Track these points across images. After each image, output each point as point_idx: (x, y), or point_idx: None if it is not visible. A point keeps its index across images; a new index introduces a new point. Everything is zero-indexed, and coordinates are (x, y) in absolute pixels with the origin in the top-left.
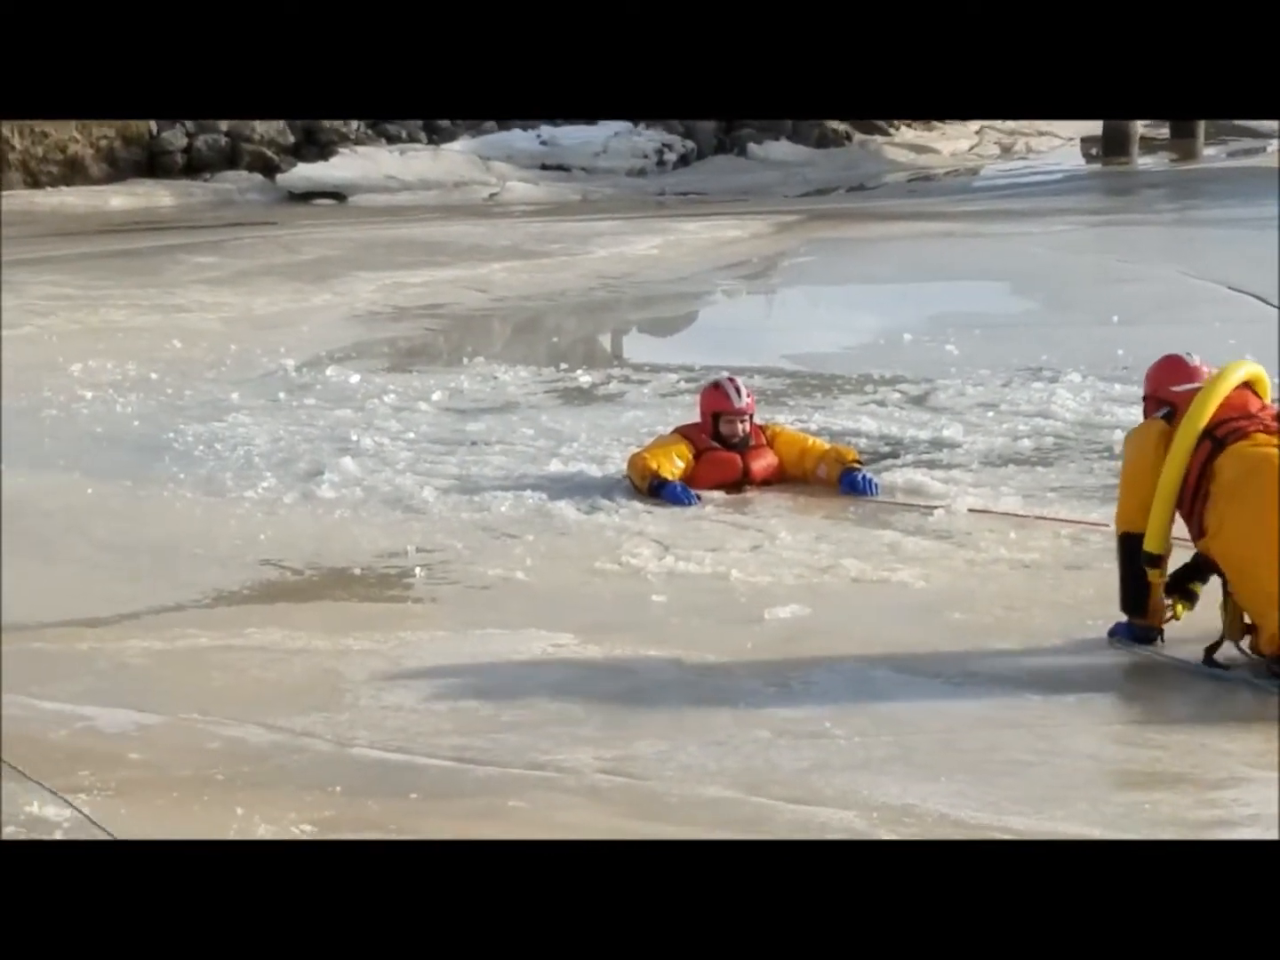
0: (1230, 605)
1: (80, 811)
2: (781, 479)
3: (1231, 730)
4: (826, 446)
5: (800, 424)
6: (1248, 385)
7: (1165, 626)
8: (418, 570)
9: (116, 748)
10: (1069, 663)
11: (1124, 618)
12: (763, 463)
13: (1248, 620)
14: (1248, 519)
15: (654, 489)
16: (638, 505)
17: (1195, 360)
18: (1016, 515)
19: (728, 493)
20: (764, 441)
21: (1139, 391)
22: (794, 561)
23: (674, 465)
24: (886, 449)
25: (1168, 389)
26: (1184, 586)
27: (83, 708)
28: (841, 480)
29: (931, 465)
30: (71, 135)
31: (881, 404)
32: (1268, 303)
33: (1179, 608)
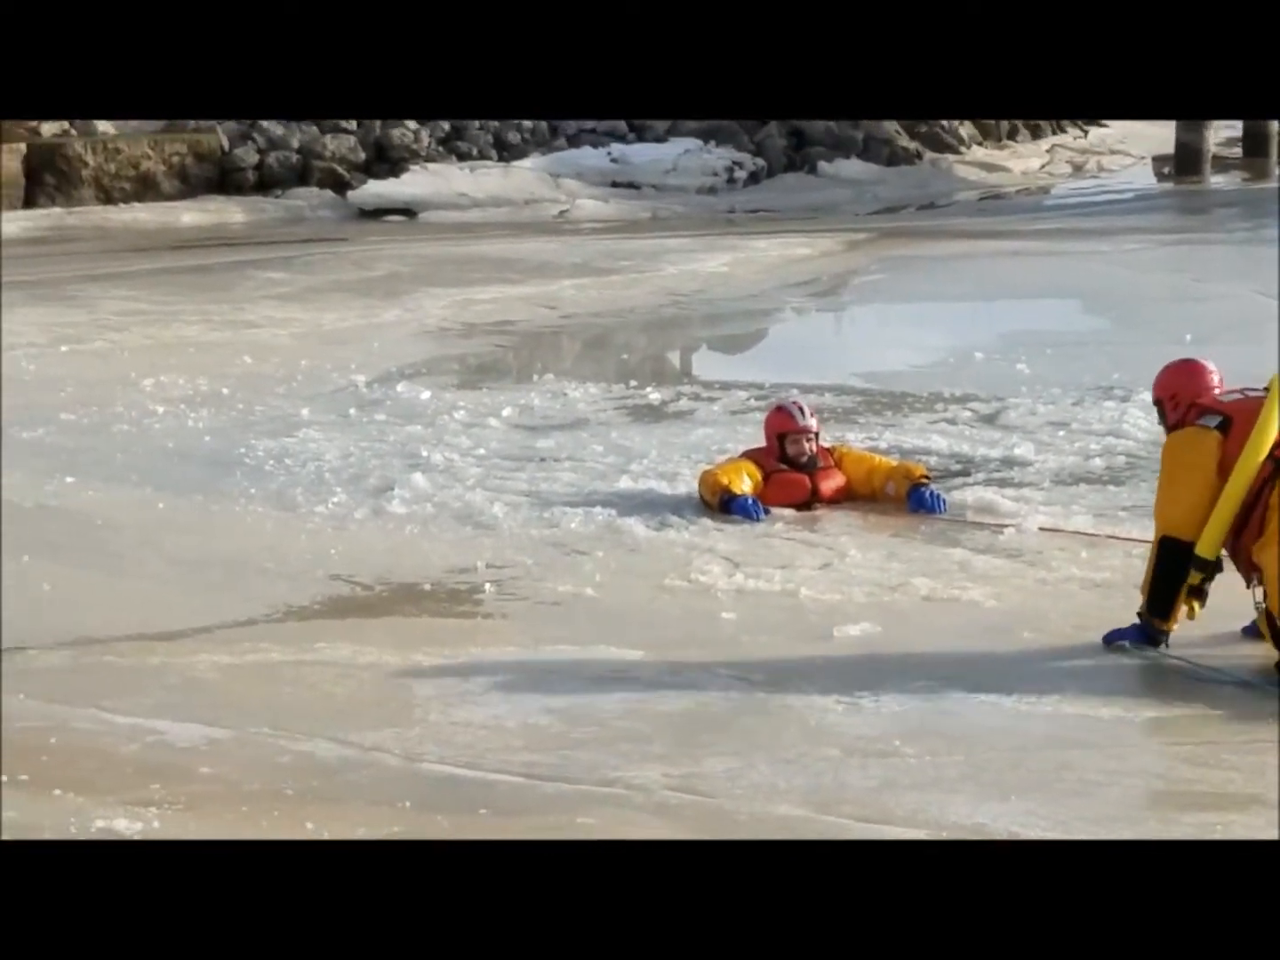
0: (1266, 619)
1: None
2: (850, 498)
3: None
4: (894, 464)
5: (870, 442)
6: None
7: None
8: (487, 586)
9: (187, 762)
10: (1141, 682)
11: (1118, 624)
12: (831, 483)
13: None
14: None
15: (724, 504)
16: (707, 522)
17: (1209, 364)
18: (1088, 534)
19: (797, 511)
20: (831, 463)
21: None
22: (864, 579)
23: (744, 482)
24: (957, 467)
25: (1209, 398)
26: (1201, 587)
27: (154, 722)
28: (910, 497)
29: (1002, 484)
30: (144, 152)
31: (952, 422)
32: None
33: (1194, 606)
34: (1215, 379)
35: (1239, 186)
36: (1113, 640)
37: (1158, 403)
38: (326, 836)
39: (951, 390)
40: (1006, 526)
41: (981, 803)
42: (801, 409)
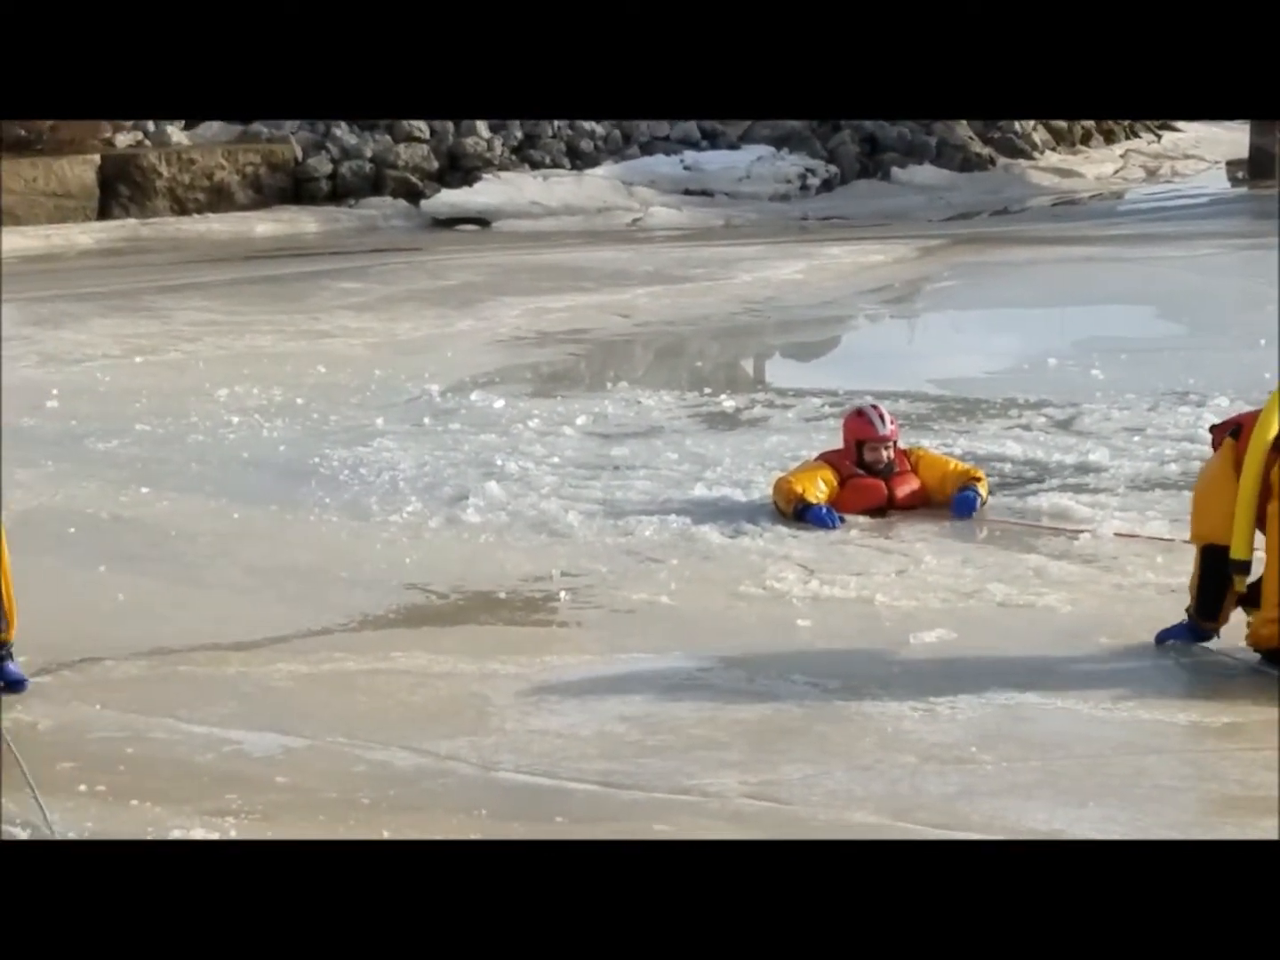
0: None
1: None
2: (925, 503)
3: None
4: (964, 468)
5: (945, 448)
6: None
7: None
8: (562, 594)
9: (263, 771)
10: (1217, 687)
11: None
12: (907, 488)
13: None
14: None
15: (799, 512)
16: (782, 529)
17: None
18: (1163, 540)
19: (872, 517)
20: (908, 467)
21: None
22: (939, 586)
23: (819, 490)
24: (1031, 473)
25: (1231, 419)
26: (1255, 595)
27: (230, 731)
28: (954, 502)
29: (1077, 489)
30: (218, 163)
31: (1026, 428)
32: None
33: (1252, 614)
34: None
35: None
36: (1164, 639)
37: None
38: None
39: (1026, 396)
40: (1082, 532)
41: (1058, 809)
42: (882, 416)
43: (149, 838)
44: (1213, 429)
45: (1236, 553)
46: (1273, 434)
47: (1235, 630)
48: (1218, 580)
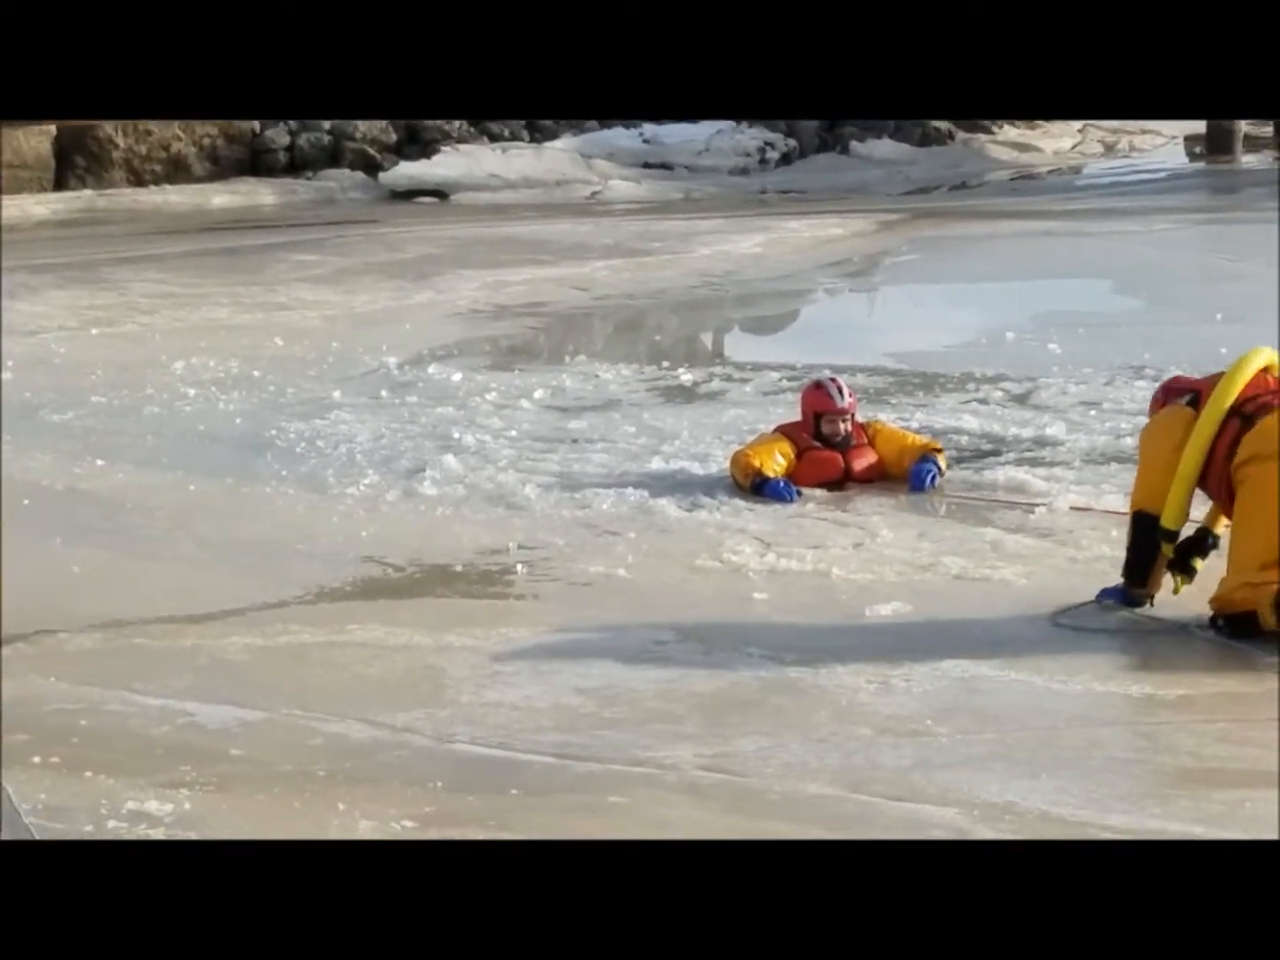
0: None
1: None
2: (882, 477)
3: None
4: (922, 442)
5: (902, 422)
6: (1265, 369)
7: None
8: (519, 567)
9: (218, 744)
10: (1171, 660)
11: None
12: (864, 461)
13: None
14: (1257, 486)
15: (756, 486)
16: (739, 503)
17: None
18: (1119, 513)
19: (829, 490)
20: (866, 440)
21: None
22: (895, 559)
23: (776, 463)
24: (988, 447)
25: (1186, 383)
26: (1185, 561)
27: (185, 703)
28: (911, 475)
29: (1034, 463)
30: (175, 134)
31: (984, 402)
32: None
33: (1179, 581)
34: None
35: (1271, 165)
36: (1102, 598)
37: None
38: (358, 816)
39: (983, 370)
40: (1038, 506)
41: (1012, 780)
42: (840, 389)
43: (102, 814)
44: (1165, 389)
45: (1167, 522)
46: (1227, 406)
47: (1189, 601)
48: (1147, 547)
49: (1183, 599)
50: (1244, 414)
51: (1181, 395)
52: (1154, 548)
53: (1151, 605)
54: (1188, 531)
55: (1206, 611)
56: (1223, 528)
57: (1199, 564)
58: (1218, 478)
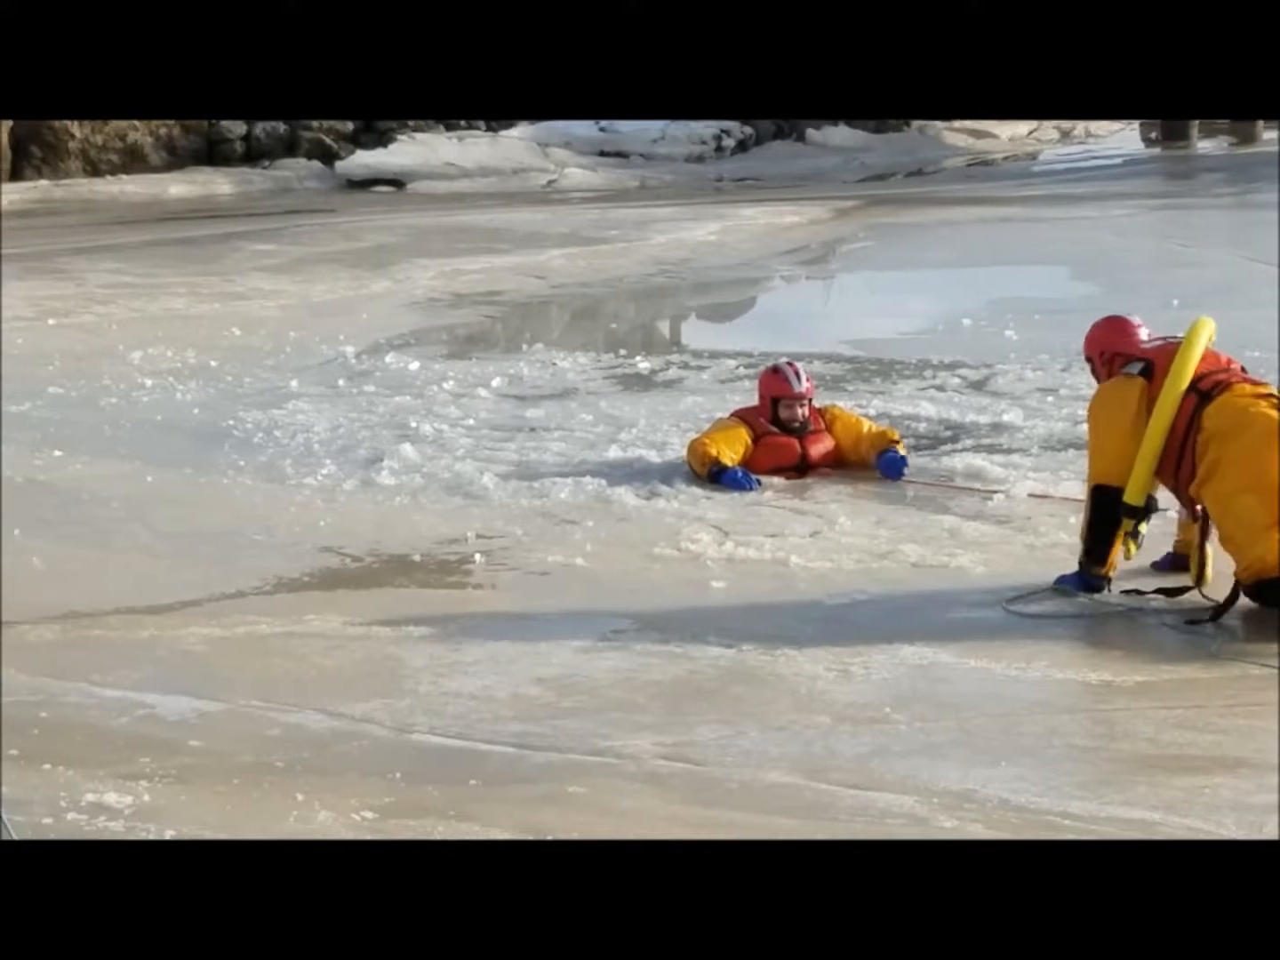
0: (1200, 556)
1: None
2: (839, 463)
3: None
4: (878, 430)
5: (859, 409)
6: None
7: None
8: (477, 556)
9: (177, 735)
10: (1129, 647)
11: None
12: (820, 447)
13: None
14: (1243, 459)
15: (714, 475)
16: (697, 491)
17: (1135, 318)
18: (1076, 500)
19: (787, 478)
20: (823, 426)
21: None
22: (853, 547)
23: (734, 451)
24: (946, 434)
25: (1131, 345)
26: (1135, 529)
27: (143, 695)
28: (877, 462)
29: (991, 450)
30: (131, 124)
31: (941, 389)
32: None
33: (1130, 546)
34: (1142, 331)
35: (1226, 151)
36: (1058, 584)
37: (1089, 360)
38: (317, 807)
39: (940, 357)
40: (995, 492)
41: (971, 768)
42: (798, 373)
43: (61, 807)
44: (1105, 353)
45: (1131, 497)
46: (1187, 381)
47: (1141, 584)
48: (1108, 523)
49: (1136, 582)
50: (1201, 390)
51: (1131, 363)
52: (1115, 523)
53: (1110, 589)
54: None
55: (1157, 597)
56: (1160, 490)
57: (1144, 528)
58: (1174, 454)
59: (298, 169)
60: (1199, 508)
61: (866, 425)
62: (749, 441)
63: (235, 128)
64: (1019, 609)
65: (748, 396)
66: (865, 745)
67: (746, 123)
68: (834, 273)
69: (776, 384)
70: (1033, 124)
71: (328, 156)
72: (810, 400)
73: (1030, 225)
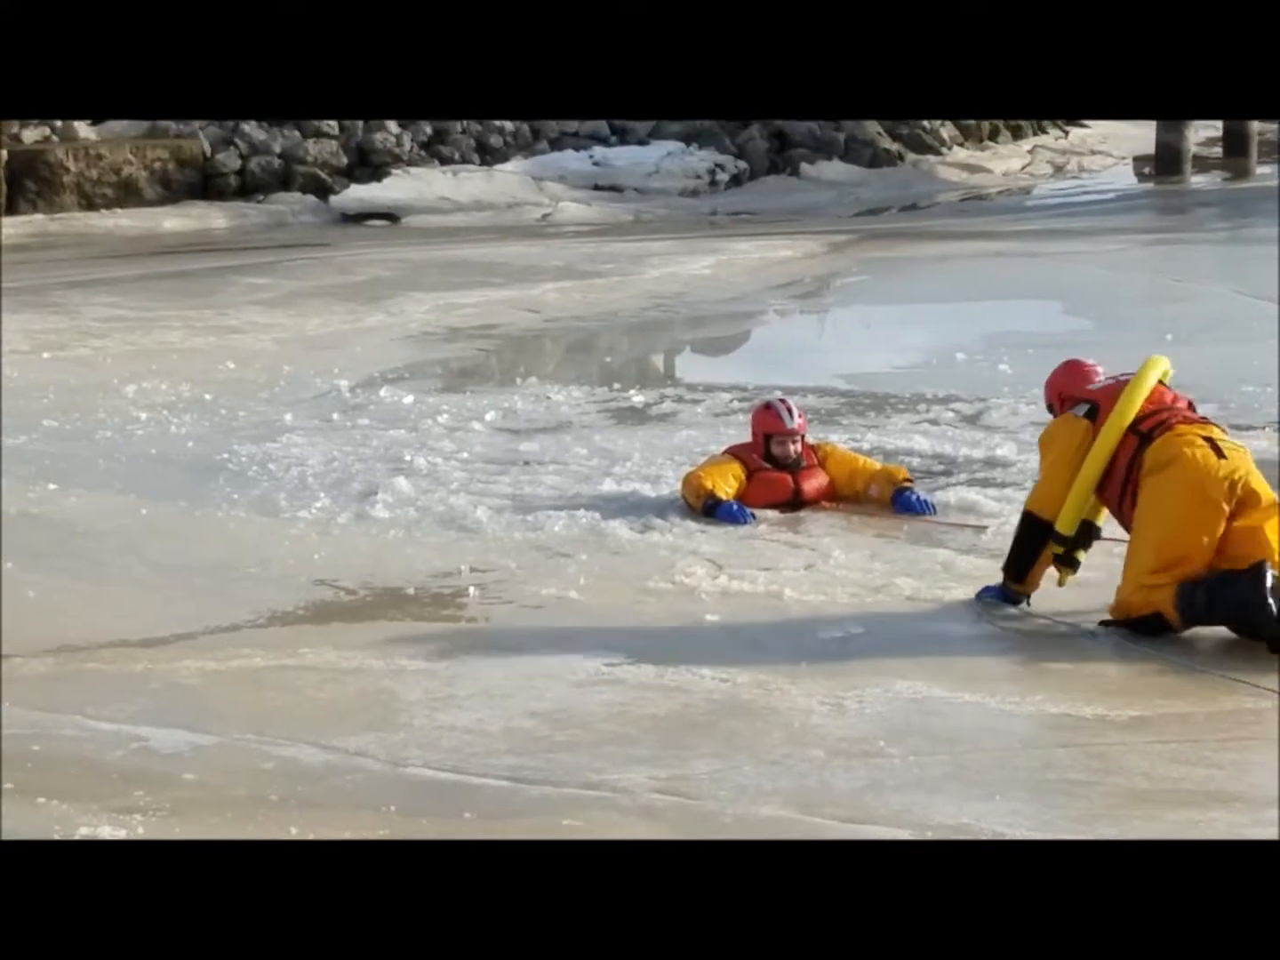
0: None
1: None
2: (833, 499)
3: None
4: (878, 467)
5: (853, 443)
6: (1160, 380)
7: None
8: (471, 590)
9: (171, 768)
10: (1123, 681)
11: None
12: (814, 483)
13: None
14: (1152, 498)
15: (709, 508)
16: (691, 524)
17: (1091, 362)
18: None
19: (780, 512)
20: (816, 461)
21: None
22: (847, 580)
23: (728, 485)
24: (939, 468)
25: (1081, 389)
26: (1070, 555)
27: (138, 728)
28: (895, 500)
29: (985, 484)
30: (126, 158)
31: (934, 423)
32: None
33: (1064, 573)
34: (1096, 373)
35: (1219, 186)
36: (980, 596)
37: (1049, 406)
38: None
39: (934, 391)
40: (989, 526)
41: (966, 803)
42: (790, 410)
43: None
44: (1062, 395)
45: (1061, 527)
46: (1128, 421)
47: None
48: (1032, 548)
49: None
50: (1141, 432)
51: (1078, 405)
52: (1039, 549)
53: (1029, 604)
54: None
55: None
56: (1104, 520)
57: (1081, 556)
58: (1115, 490)
59: (292, 203)
60: None
61: (861, 460)
62: (743, 477)
63: (230, 161)
64: (941, 624)
65: (742, 430)
66: (859, 779)
67: (740, 156)
68: (828, 307)
69: (769, 420)
70: (1026, 158)
71: (322, 190)
72: (803, 436)
73: (1024, 260)
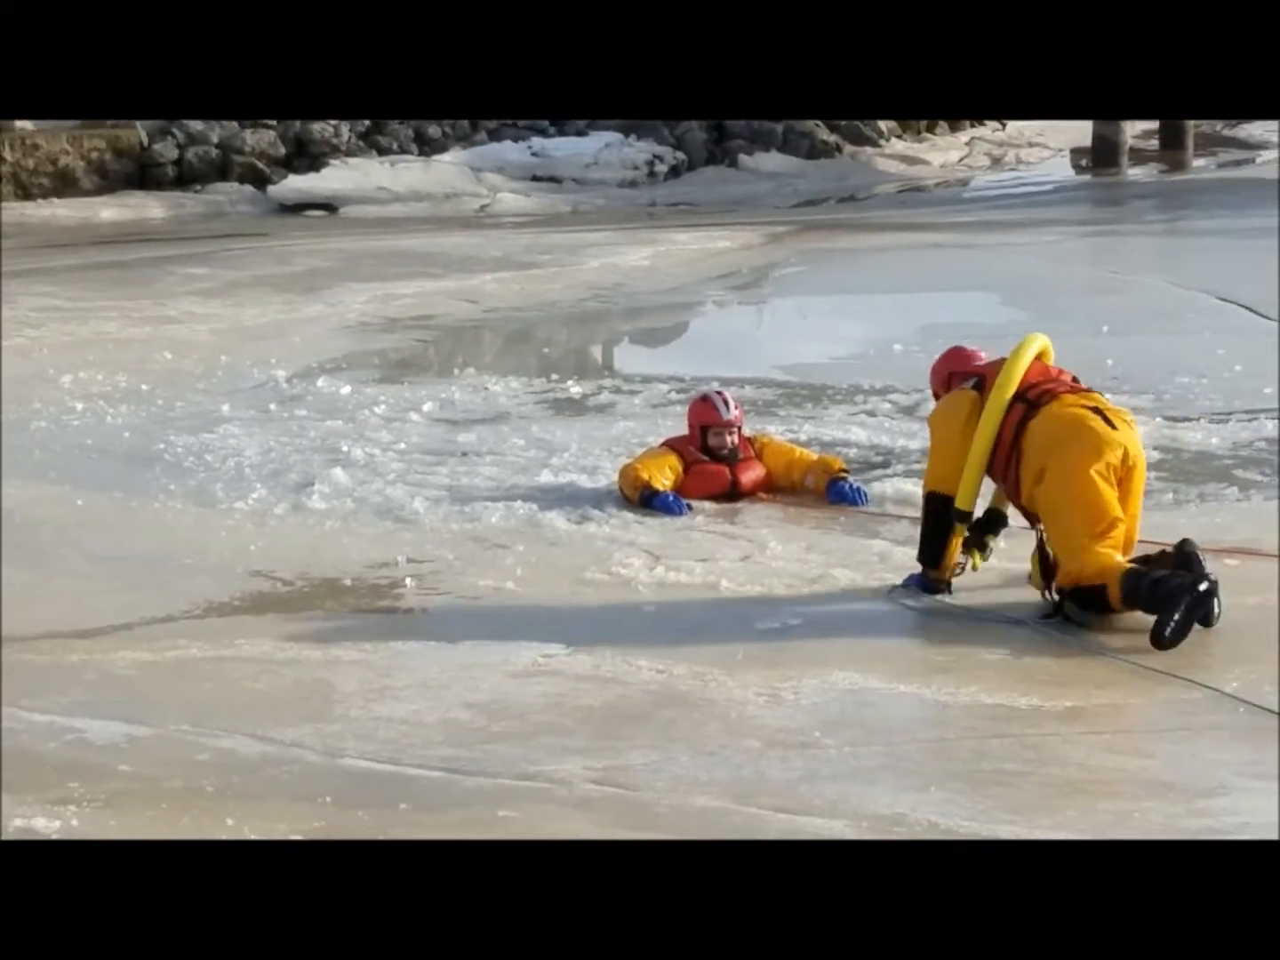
0: (1038, 556)
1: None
2: (770, 490)
3: (1222, 740)
4: (814, 457)
5: (790, 434)
6: (1040, 356)
7: (960, 576)
8: (408, 581)
9: (106, 760)
10: (1058, 672)
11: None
12: (751, 474)
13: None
14: (1068, 472)
15: (645, 499)
16: (628, 516)
17: (973, 347)
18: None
19: (718, 503)
20: (752, 453)
21: (1129, 401)
22: (784, 571)
23: (665, 476)
24: (877, 459)
25: (967, 366)
26: (980, 539)
27: (73, 720)
28: (830, 490)
29: (921, 475)
30: (63, 148)
31: (872, 414)
32: (1256, 313)
33: (976, 558)
34: (980, 356)
35: (1156, 179)
36: (904, 584)
37: (935, 395)
38: (248, 832)
39: (871, 382)
40: None
41: (901, 793)
42: (726, 402)
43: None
44: (949, 373)
45: (961, 503)
46: (1014, 388)
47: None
48: (941, 529)
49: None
50: (1028, 400)
51: (966, 379)
52: (947, 529)
53: (949, 592)
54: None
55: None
56: (1009, 507)
57: (992, 541)
58: (1003, 460)
59: (230, 193)
60: (1034, 516)
61: (798, 451)
62: (679, 469)
63: (167, 151)
64: (899, 597)
65: (679, 421)
66: (795, 770)
67: (679, 147)
68: (766, 298)
69: (705, 412)
70: (964, 150)
71: (260, 181)
72: (740, 428)
73: (961, 251)
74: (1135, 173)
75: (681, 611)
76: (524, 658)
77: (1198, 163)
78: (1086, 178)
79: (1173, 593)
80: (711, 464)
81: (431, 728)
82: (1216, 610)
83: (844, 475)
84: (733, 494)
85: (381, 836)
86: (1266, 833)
